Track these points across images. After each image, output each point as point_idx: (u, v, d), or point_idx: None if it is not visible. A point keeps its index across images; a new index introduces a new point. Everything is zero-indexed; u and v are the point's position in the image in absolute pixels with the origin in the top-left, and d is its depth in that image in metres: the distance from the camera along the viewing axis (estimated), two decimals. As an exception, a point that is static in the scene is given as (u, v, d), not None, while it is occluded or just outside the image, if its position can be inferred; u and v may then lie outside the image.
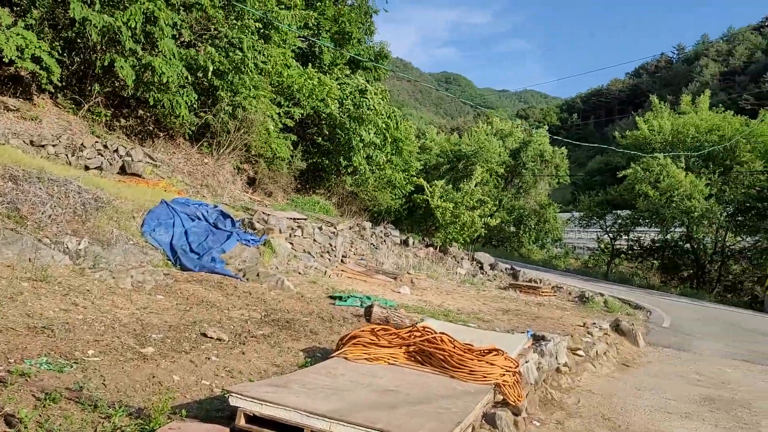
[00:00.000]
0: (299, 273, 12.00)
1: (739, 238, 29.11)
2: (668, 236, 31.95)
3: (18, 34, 12.40)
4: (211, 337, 6.03)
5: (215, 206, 12.79)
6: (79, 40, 14.50)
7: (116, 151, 14.40)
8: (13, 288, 6.23)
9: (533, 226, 40.53)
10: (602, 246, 36.45)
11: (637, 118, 35.73)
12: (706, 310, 20.43)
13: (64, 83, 14.93)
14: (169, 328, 6.13)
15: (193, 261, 10.05)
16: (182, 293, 8.01)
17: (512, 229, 41.30)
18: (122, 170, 14.27)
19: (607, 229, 34.86)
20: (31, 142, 13.01)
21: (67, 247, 8.92)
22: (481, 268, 21.54)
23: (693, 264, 30.89)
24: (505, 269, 21.89)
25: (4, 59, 13.14)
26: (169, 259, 10.02)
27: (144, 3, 13.65)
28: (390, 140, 23.78)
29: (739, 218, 28.30)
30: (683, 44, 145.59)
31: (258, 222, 13.09)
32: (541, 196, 42.63)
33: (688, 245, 31.06)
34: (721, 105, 35.40)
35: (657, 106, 34.34)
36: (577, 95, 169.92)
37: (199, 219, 11.72)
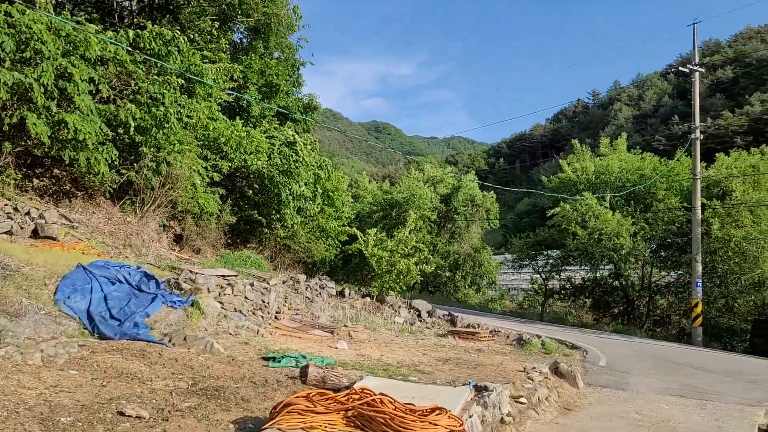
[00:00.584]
0: (230, 334, 11.43)
1: (663, 273, 30.26)
2: (598, 274, 32.88)
3: None
4: (129, 416, 5.49)
5: (138, 267, 12.10)
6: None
7: (28, 213, 13.51)
8: None
9: (468, 270, 40.92)
10: (536, 287, 37.12)
11: (560, 161, 37.13)
12: (638, 345, 20.92)
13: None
14: (81, 409, 5.54)
15: (113, 328, 9.36)
16: (99, 366, 7.37)
17: (448, 274, 41.55)
18: (35, 234, 13.35)
19: (539, 270, 35.58)
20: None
21: (-33, 322, 8.13)
22: (419, 315, 21.35)
23: (623, 300, 31.82)
24: (443, 315, 21.79)
25: None
26: (86, 328, 9.30)
27: (57, 59, 13.11)
28: (321, 191, 23.59)
29: (662, 254, 29.50)
30: (597, 90, 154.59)
31: (185, 282, 12.47)
32: (474, 239, 43.27)
33: (617, 282, 32.03)
34: (637, 146, 37.37)
35: (579, 150, 35.83)
36: (503, 140, 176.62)
37: (121, 282, 11.03)
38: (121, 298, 10.47)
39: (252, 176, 21.80)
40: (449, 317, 21.59)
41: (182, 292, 12.02)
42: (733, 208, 25.32)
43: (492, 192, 43.78)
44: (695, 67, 27.22)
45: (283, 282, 18.21)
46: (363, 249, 22.67)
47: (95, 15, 18.92)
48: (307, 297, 18.43)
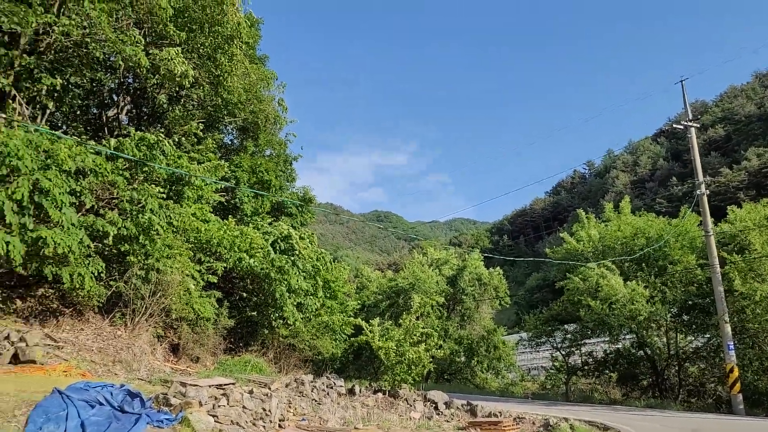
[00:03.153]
0: (225, 452, 10.30)
1: (690, 338, 28.73)
2: (620, 345, 31.32)
3: None
4: None
5: (122, 386, 11.12)
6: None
7: (7, 337, 12.70)
8: None
9: (484, 354, 39.29)
10: (557, 365, 35.40)
11: (562, 234, 36.43)
12: (675, 420, 19.37)
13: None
14: None
15: (89, 460, 8.32)
16: None
17: (463, 359, 39.88)
18: (15, 359, 12.49)
19: (558, 346, 34.01)
20: None
21: None
22: (436, 408, 19.93)
23: (650, 371, 30.08)
24: (462, 405, 20.36)
25: None
26: (58, 463, 8.26)
27: (34, 174, 12.74)
28: (321, 284, 22.78)
29: (685, 317, 28.09)
30: (592, 160, 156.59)
31: (174, 396, 11.44)
32: (486, 320, 41.91)
33: (641, 352, 30.42)
34: (640, 210, 36.78)
35: (582, 218, 35.24)
36: (504, 217, 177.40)
37: (101, 404, 10.03)
38: (100, 422, 9.46)
39: (247, 276, 21.09)
40: (469, 407, 20.15)
41: (171, 408, 10.98)
42: (755, 262, 24.22)
43: (498, 268, 42.82)
44: (690, 123, 26.95)
45: (286, 385, 17.05)
46: (370, 341, 21.59)
47: (81, 129, 18.90)
48: (314, 399, 17.22)
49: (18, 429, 8.68)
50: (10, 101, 15.07)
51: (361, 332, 23.51)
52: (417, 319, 23.61)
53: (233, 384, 14.29)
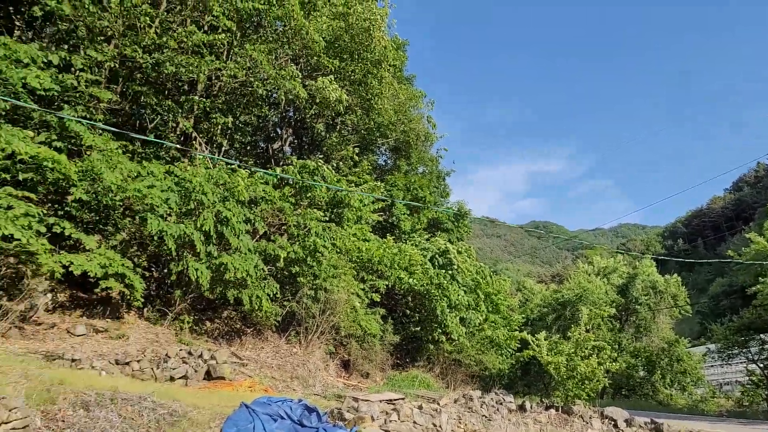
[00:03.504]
0: (399, 467, 10.39)
1: None
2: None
3: (102, 254, 12.79)
4: None
5: (300, 400, 11.72)
6: (161, 253, 14.93)
7: (200, 356, 13.98)
8: None
9: (666, 368, 36.09)
10: (754, 378, 31.48)
11: (749, 234, 32.47)
12: None
13: (153, 294, 15.20)
14: None
15: (275, 471, 8.82)
16: None
17: (641, 373, 36.98)
18: (208, 375, 13.72)
19: (755, 359, 30.23)
20: (116, 362, 12.81)
21: (139, 475, 8.03)
22: (615, 425, 18.56)
23: None
24: (645, 424, 18.76)
25: (90, 281, 13.60)
26: (248, 472, 8.85)
27: (216, 206, 14.03)
28: (483, 297, 22.46)
29: None
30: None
31: (347, 411, 11.83)
32: (665, 331, 38.56)
33: None
34: None
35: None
36: (677, 220, 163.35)
37: (282, 418, 10.65)
38: (283, 435, 10.03)
39: (408, 293, 21.43)
40: (653, 425, 18.54)
41: (345, 422, 11.36)
42: None
43: (675, 275, 39.33)
44: None
45: (455, 401, 16.92)
46: (537, 355, 20.78)
47: (251, 162, 20.59)
48: (483, 415, 16.88)
49: (213, 439, 9.48)
50: (193, 142, 16.82)
51: (527, 347, 22.74)
52: (587, 331, 22.35)
53: (402, 399, 14.47)
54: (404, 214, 23.64)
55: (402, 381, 18.57)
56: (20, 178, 12.07)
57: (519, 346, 24.84)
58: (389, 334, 20.54)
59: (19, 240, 10.39)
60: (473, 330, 22.30)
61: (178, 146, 16.43)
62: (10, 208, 10.21)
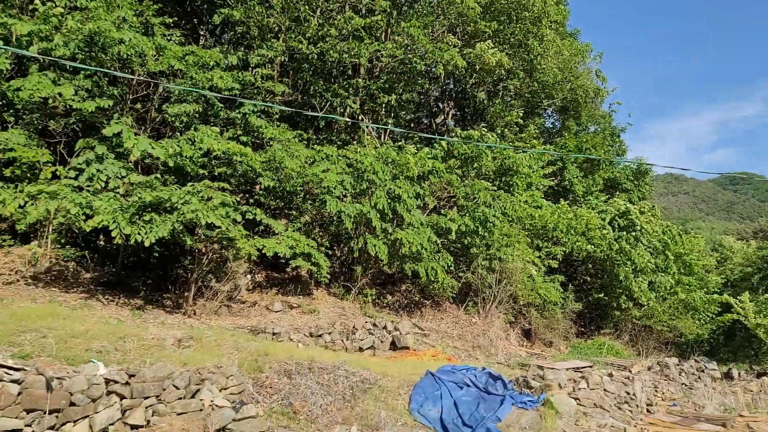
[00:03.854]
0: (592, 435, 10.07)
1: None
2: None
3: (289, 237, 13.88)
4: None
5: (483, 369, 11.81)
6: (340, 232, 15.85)
7: (384, 327, 14.65)
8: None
9: None
10: None
11: None
12: None
13: (337, 271, 16.23)
14: None
15: (465, 436, 9.01)
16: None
17: None
18: (393, 345, 14.35)
19: None
20: (310, 334, 13.87)
21: (339, 437, 8.66)
22: None
23: None
24: None
25: (282, 261, 14.85)
26: (440, 437, 9.14)
27: (387, 184, 14.51)
28: (672, 259, 20.72)
29: None
30: None
31: (533, 379, 11.67)
32: None
33: None
34: None
35: None
36: None
37: (468, 386, 10.81)
38: (469, 402, 10.19)
39: (588, 259, 20.45)
40: None
41: (531, 390, 11.22)
42: None
43: None
44: None
45: (648, 368, 15.96)
46: (742, 318, 18.79)
47: (416, 138, 20.92)
48: (683, 383, 15.78)
49: (404, 406, 9.91)
50: (360, 123, 17.51)
51: (729, 310, 20.68)
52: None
53: (590, 367, 13.96)
54: (577, 177, 22.53)
55: (588, 349, 17.89)
56: (216, 172, 13.46)
57: (719, 309, 22.63)
58: (570, 301, 19.84)
59: (219, 227, 11.58)
60: (664, 294, 20.71)
61: (348, 120, 17.06)
62: (209, 199, 11.41)
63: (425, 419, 9.61)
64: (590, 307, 21.35)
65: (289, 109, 15.59)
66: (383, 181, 14.63)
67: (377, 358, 12.69)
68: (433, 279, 15.26)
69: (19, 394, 6.51)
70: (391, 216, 14.65)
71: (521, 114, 20.91)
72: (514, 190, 17.70)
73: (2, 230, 12.62)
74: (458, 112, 23.52)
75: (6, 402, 6.39)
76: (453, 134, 17.77)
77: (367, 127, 17.69)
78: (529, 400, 10.73)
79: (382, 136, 18.77)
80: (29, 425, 6.54)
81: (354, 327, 14.47)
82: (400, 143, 16.33)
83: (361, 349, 13.80)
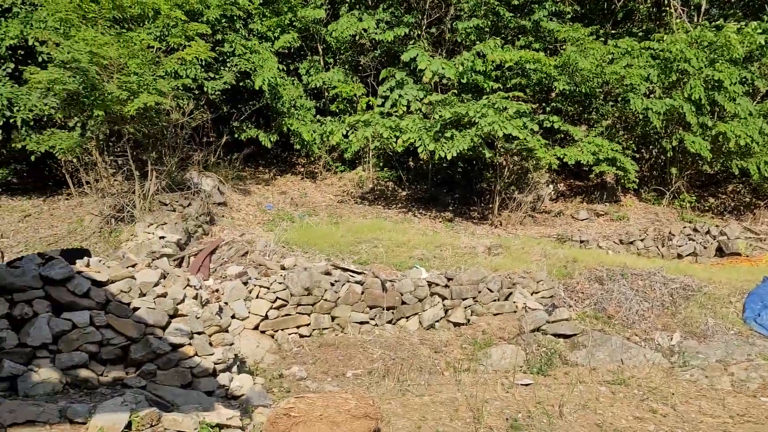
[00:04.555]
0: None
1: None
2: None
3: (590, 143, 13.31)
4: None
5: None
6: (647, 133, 14.57)
7: (708, 232, 13.22)
8: (590, 393, 6.03)
9: None
10: None
11: None
12: None
13: (647, 175, 15.14)
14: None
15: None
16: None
17: None
18: (719, 251, 12.91)
19: None
20: (620, 241, 13.28)
21: (659, 344, 8.37)
22: None
23: None
24: None
25: (584, 169, 14.39)
26: (782, 350, 8.09)
27: (703, 72, 12.76)
28: None
29: None
30: None
31: None
32: None
33: None
34: None
35: None
36: None
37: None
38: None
39: None
40: None
41: None
42: None
43: None
44: None
45: None
46: None
47: (739, 15, 17.69)
48: None
49: (736, 314, 8.98)
50: (667, 8, 15.55)
51: None
52: None
53: None
54: None
55: None
56: (509, 84, 13.48)
57: None
58: None
59: (518, 138, 11.68)
60: None
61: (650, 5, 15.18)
62: (504, 109, 11.52)
63: (763, 329, 8.59)
64: None
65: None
66: (698, 69, 12.85)
67: (699, 265, 11.62)
68: (767, 175, 13.15)
69: (362, 293, 7.76)
70: (709, 108, 12.90)
71: None
72: None
73: (335, 159, 14.82)
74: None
75: (354, 299, 7.68)
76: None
77: (675, 10, 15.55)
78: None
79: (696, 18, 16.32)
80: (372, 319, 7.78)
81: (670, 233, 13.38)
82: (717, 23, 13.98)
83: (679, 256, 12.76)
